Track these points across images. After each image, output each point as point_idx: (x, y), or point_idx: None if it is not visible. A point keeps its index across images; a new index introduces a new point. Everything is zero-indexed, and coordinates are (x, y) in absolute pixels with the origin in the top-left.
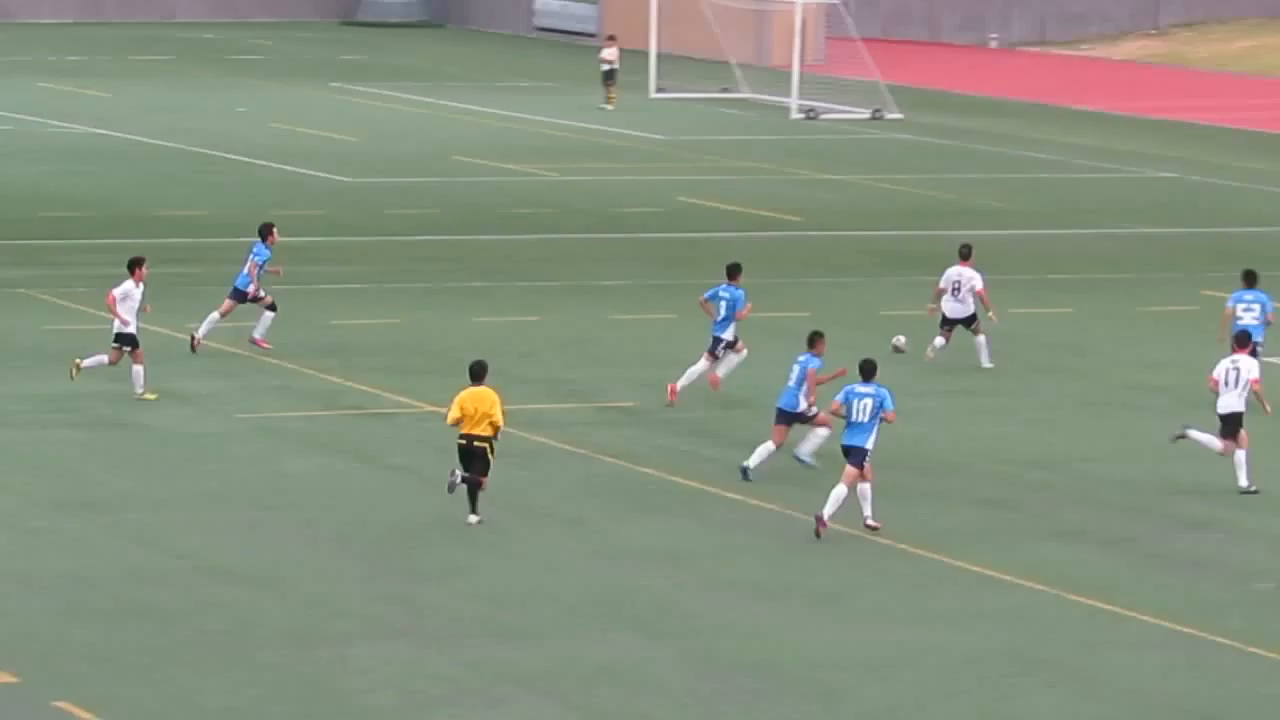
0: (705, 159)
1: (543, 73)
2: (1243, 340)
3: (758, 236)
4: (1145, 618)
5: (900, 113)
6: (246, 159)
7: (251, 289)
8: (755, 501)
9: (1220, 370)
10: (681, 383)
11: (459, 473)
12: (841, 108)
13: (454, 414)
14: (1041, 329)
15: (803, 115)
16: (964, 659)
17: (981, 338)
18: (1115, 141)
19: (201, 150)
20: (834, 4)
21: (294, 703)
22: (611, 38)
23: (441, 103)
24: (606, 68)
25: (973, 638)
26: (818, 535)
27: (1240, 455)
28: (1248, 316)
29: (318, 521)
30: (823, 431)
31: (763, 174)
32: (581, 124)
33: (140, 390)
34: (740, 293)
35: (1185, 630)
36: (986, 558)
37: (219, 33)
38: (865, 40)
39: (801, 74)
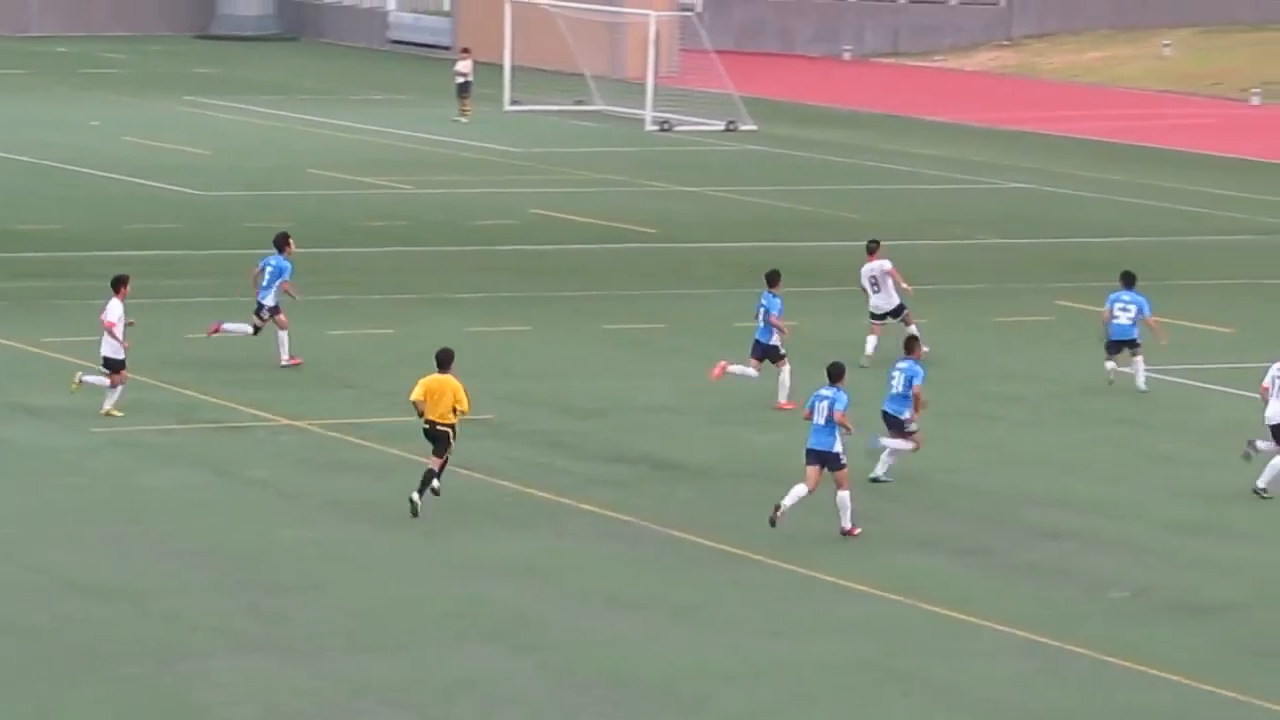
0: (559, 171)
1: (397, 86)
2: None
3: (612, 249)
4: (1002, 627)
5: (754, 124)
6: (101, 173)
7: (268, 300)
8: (612, 514)
9: (1269, 378)
10: (734, 368)
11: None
12: (696, 120)
13: (417, 393)
14: (898, 339)
15: (657, 127)
16: (822, 669)
17: (915, 326)
18: (968, 152)
19: (56, 164)
20: (688, 16)
21: (154, 717)
22: (465, 50)
23: (296, 116)
24: (460, 80)
25: (830, 648)
26: (772, 524)
27: (1278, 460)
28: (1124, 317)
29: (177, 535)
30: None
31: (617, 186)
32: (436, 137)
33: (108, 407)
34: (776, 300)
35: (1041, 639)
36: (844, 568)
37: (72, 46)
38: (719, 52)
39: (656, 86)
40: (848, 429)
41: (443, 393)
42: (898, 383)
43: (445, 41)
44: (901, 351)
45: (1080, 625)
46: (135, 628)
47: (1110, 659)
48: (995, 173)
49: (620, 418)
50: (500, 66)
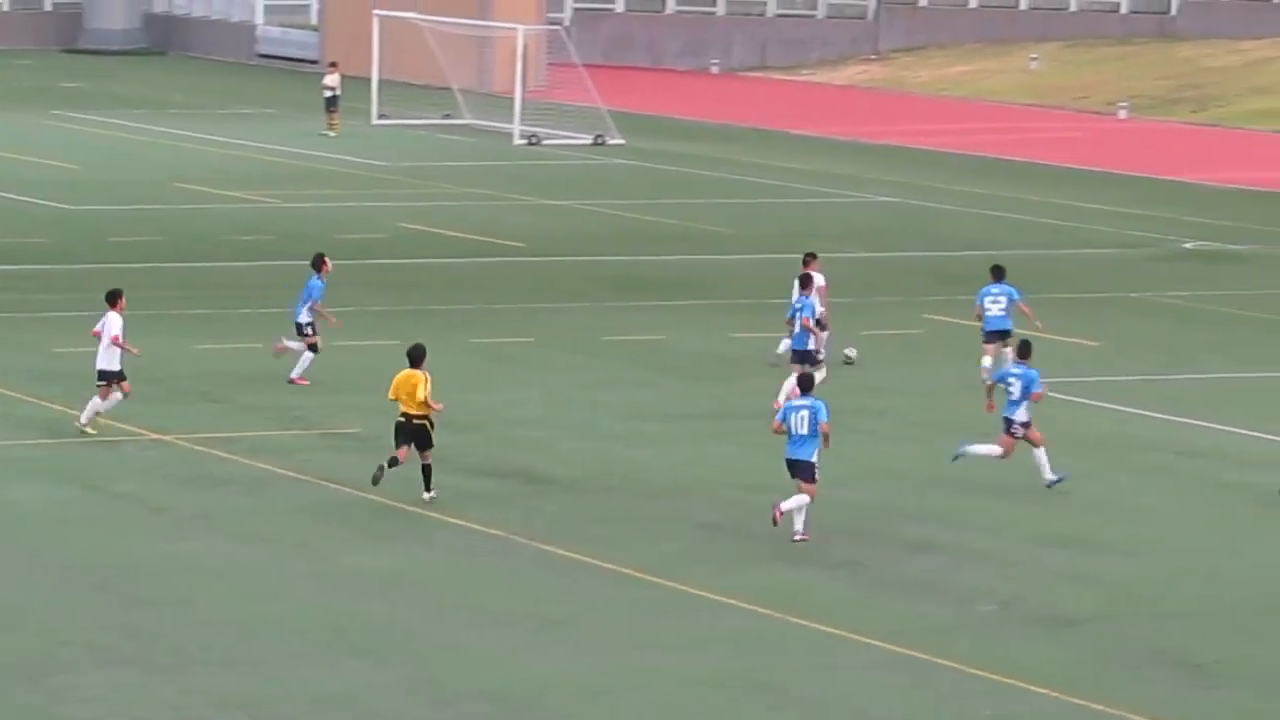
0: (428, 185)
1: (265, 99)
2: None
3: (481, 262)
4: (872, 641)
5: (622, 138)
6: None
7: (302, 318)
8: (480, 527)
9: None
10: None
11: (383, 465)
12: (564, 133)
13: (392, 392)
14: (767, 352)
15: (525, 141)
16: (692, 683)
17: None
18: (836, 166)
19: None
20: (556, 30)
21: None
22: (333, 64)
23: (164, 130)
24: (328, 94)
25: (700, 661)
26: (774, 523)
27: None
28: (994, 309)
29: (44, 550)
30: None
31: (485, 200)
32: (304, 150)
33: (85, 421)
34: (809, 301)
35: (911, 653)
36: (713, 581)
37: None
38: (587, 66)
39: (524, 100)
40: (828, 441)
41: (414, 386)
42: (1015, 390)
43: (313, 55)
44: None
45: (950, 638)
46: (4, 642)
47: (980, 672)
48: (863, 186)
49: (490, 431)
50: (368, 80)
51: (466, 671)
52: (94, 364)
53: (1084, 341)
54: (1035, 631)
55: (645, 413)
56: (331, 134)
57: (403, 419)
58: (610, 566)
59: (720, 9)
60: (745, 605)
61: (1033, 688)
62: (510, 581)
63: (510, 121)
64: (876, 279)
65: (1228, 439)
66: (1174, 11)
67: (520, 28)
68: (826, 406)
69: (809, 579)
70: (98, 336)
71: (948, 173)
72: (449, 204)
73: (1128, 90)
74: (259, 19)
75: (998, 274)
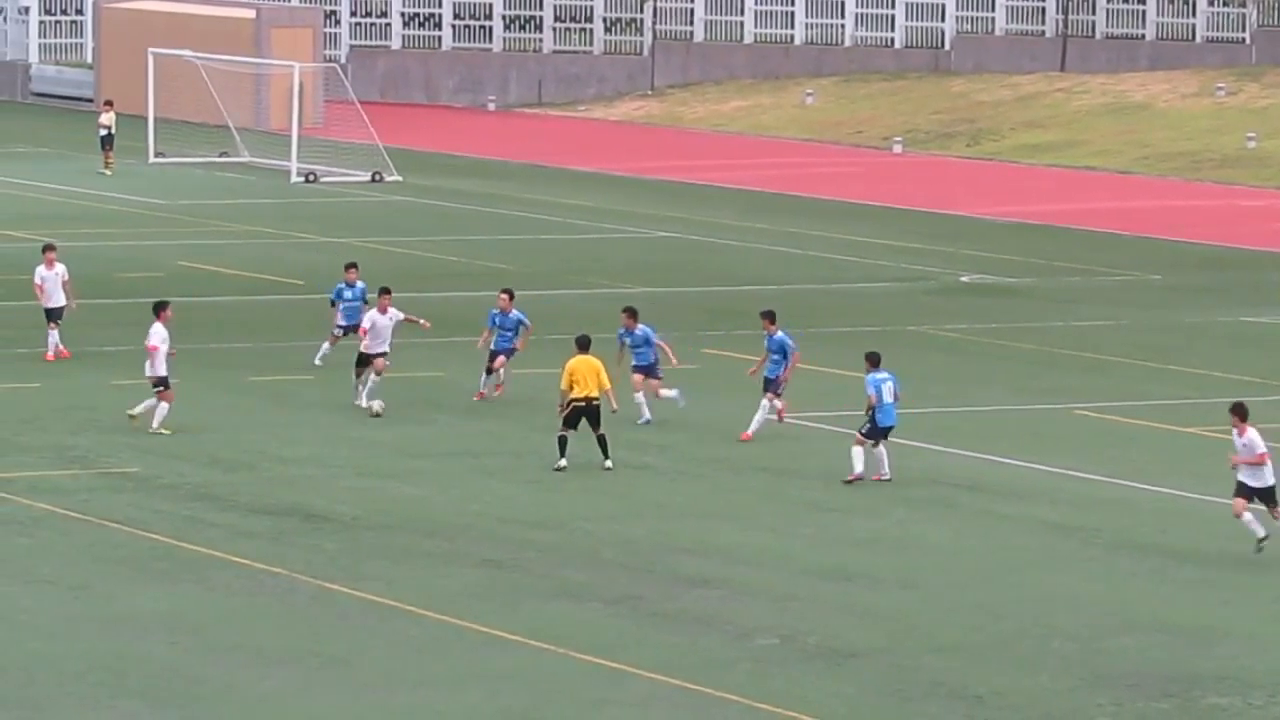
0: (205, 223)
1: (39, 138)
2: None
3: (259, 300)
4: (651, 675)
5: (400, 175)
6: None
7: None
8: (261, 566)
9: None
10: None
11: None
12: (341, 171)
13: (564, 380)
14: (541, 389)
15: (302, 179)
16: None
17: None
18: (614, 202)
19: None
20: (332, 67)
21: None
22: (108, 103)
23: None
24: (104, 133)
25: (478, 698)
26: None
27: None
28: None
29: None
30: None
31: (264, 238)
32: (79, 189)
33: (156, 424)
34: (785, 339)
35: (691, 687)
36: (491, 618)
37: None
38: (364, 103)
39: (300, 138)
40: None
41: (589, 372)
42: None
43: (88, 94)
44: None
45: (729, 672)
46: None
47: (759, 705)
48: (641, 222)
49: (267, 470)
50: (144, 119)
51: (246, 712)
52: None
53: (863, 375)
54: (815, 664)
55: (423, 450)
56: (107, 173)
57: (580, 403)
58: (390, 604)
59: (496, 46)
60: (525, 641)
61: (810, 719)
62: (290, 620)
63: (287, 159)
64: (655, 314)
65: (1003, 471)
66: (947, 46)
67: (296, 65)
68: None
69: (587, 614)
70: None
71: (726, 208)
72: (227, 242)
73: (902, 125)
74: (33, 57)
75: (631, 314)
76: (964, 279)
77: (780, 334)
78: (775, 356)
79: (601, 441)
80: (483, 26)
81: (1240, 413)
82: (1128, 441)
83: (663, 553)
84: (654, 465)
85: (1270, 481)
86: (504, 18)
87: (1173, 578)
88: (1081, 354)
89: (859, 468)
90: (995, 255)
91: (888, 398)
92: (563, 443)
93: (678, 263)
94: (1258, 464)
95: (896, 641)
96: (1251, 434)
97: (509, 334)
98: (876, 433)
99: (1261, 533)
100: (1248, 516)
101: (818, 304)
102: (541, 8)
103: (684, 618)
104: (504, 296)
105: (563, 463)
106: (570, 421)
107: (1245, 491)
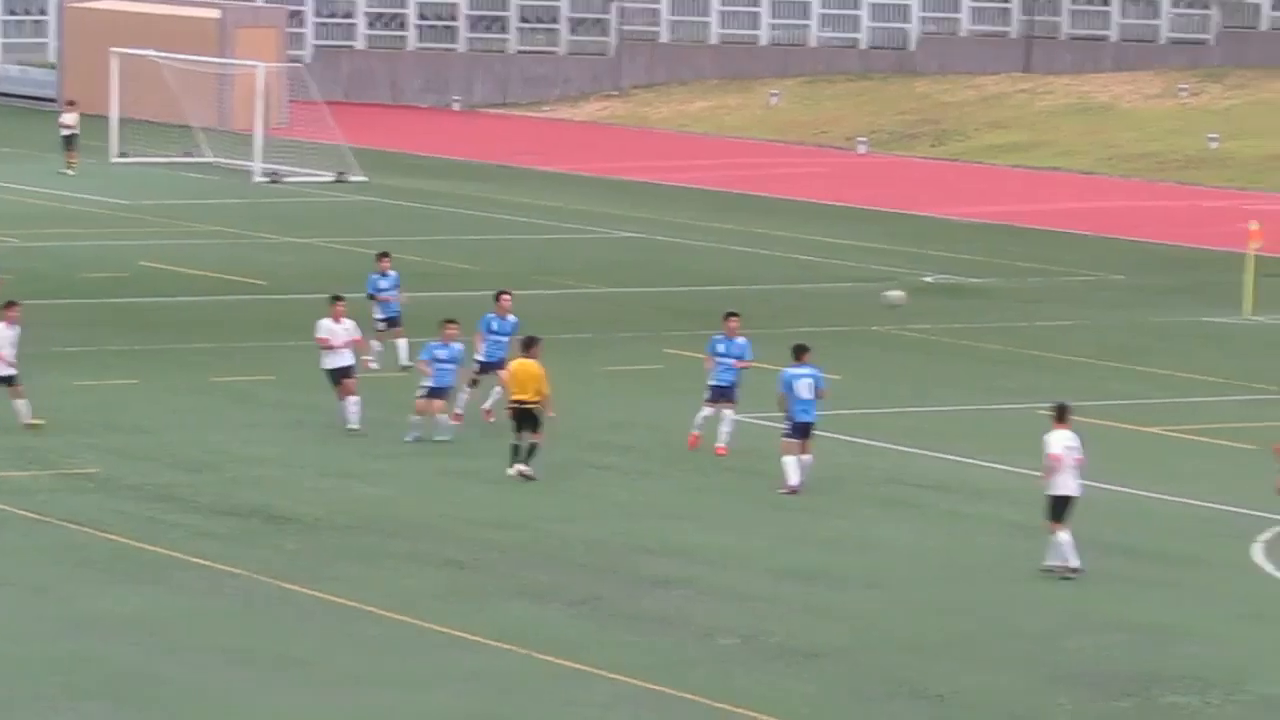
0: (168, 224)
1: (2, 138)
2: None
3: (222, 300)
4: (614, 676)
5: (364, 175)
6: None
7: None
8: (223, 567)
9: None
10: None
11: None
12: (305, 171)
13: (505, 376)
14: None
15: (266, 179)
16: None
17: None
18: (579, 202)
19: None
20: (297, 67)
21: None
22: (71, 103)
23: None
24: (66, 133)
25: (442, 699)
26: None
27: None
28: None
29: None
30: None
31: (227, 238)
32: (43, 189)
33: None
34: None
35: (653, 687)
36: (455, 619)
37: None
38: (329, 103)
39: (265, 138)
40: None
41: (527, 377)
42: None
43: (51, 94)
44: None
45: (691, 672)
46: None
47: (722, 705)
48: (606, 222)
49: (230, 470)
50: (107, 119)
51: (209, 713)
52: None
53: (828, 375)
54: (777, 664)
55: (386, 451)
56: (70, 173)
57: (517, 405)
58: (353, 604)
59: (461, 46)
60: (487, 642)
61: (771, 719)
62: (252, 621)
63: (251, 159)
64: (618, 314)
65: (967, 471)
66: (912, 47)
67: (260, 65)
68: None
69: (550, 615)
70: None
71: (691, 208)
72: (190, 242)
73: (867, 125)
74: None
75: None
76: (928, 279)
77: (743, 340)
78: (726, 361)
79: (530, 449)
80: (448, 27)
81: None
82: (1091, 441)
83: (626, 553)
84: (617, 465)
85: None
86: (469, 18)
87: (1133, 577)
88: (1045, 354)
89: (793, 480)
90: (959, 255)
91: (804, 394)
92: (514, 450)
93: (641, 262)
94: None
95: (859, 641)
96: None
97: (505, 341)
98: (798, 431)
99: None
100: None
101: (782, 304)
102: (506, 8)
103: (647, 618)
104: (505, 298)
105: (510, 470)
106: (516, 426)
107: None
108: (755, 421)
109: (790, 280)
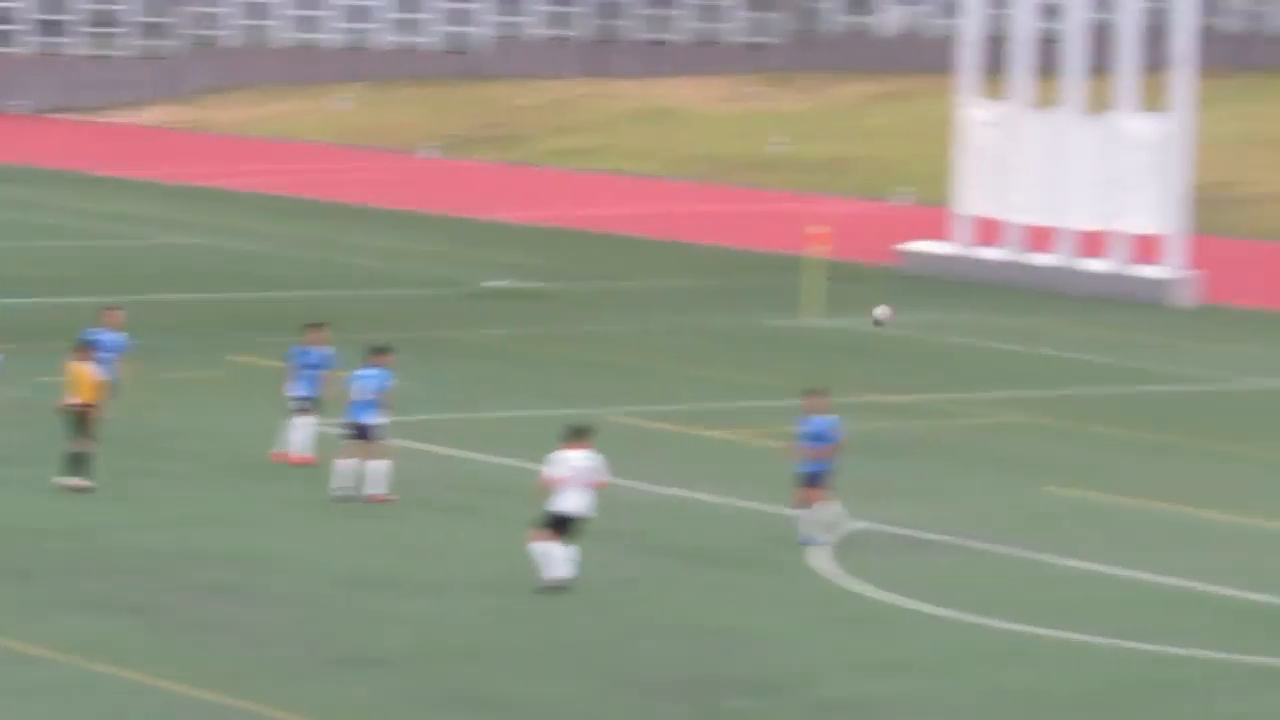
0: None
1: None
2: None
3: None
4: (173, 686)
5: None
6: None
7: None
8: None
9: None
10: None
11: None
12: None
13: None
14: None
15: None
16: None
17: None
18: (143, 207)
19: None
20: None
21: None
22: None
23: None
24: None
25: (5, 716)
26: None
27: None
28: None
29: None
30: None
31: None
32: None
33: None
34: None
35: (212, 696)
36: (11, 631)
37: None
38: None
39: None
40: None
41: (82, 380)
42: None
43: None
44: None
45: (252, 681)
46: None
47: (281, 714)
48: (170, 228)
49: None
50: None
51: None
52: None
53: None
54: (339, 672)
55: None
56: None
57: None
58: None
59: (21, 49)
60: (44, 654)
61: None
62: None
63: None
64: (179, 321)
65: (529, 476)
66: (481, 51)
67: None
68: None
69: (107, 626)
70: None
71: (259, 213)
72: None
73: (436, 130)
74: None
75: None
76: (491, 284)
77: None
78: (310, 372)
79: (83, 458)
80: (4, 30)
81: None
82: (654, 445)
83: (187, 562)
84: (177, 472)
85: None
86: (31, 21)
87: (698, 582)
88: (607, 358)
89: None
90: (526, 260)
91: (356, 395)
92: (71, 460)
93: (205, 268)
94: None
95: (420, 648)
96: None
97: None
98: (353, 431)
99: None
100: None
101: (352, 310)
102: (69, 11)
103: (205, 627)
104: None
105: (64, 479)
106: (73, 430)
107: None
108: (329, 432)
109: (355, 285)
